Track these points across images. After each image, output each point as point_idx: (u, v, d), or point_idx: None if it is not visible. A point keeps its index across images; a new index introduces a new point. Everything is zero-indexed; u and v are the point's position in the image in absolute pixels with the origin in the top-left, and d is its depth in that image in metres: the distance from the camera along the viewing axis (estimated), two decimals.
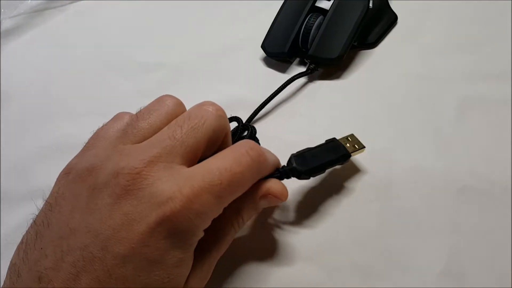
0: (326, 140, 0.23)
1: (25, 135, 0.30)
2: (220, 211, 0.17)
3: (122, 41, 0.35)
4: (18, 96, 0.32)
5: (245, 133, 0.25)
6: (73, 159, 0.19)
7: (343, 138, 0.23)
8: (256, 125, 0.27)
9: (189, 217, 0.16)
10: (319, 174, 0.22)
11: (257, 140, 0.25)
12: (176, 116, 0.19)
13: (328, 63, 0.29)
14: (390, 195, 0.23)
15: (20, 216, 0.25)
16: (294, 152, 0.22)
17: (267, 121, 0.28)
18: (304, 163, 0.21)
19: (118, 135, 0.19)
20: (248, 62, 0.31)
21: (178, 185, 0.16)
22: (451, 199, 0.23)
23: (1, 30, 0.37)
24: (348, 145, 0.23)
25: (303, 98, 0.29)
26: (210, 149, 0.19)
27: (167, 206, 0.16)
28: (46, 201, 0.18)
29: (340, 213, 0.23)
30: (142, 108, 0.20)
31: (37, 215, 0.18)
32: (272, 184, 0.19)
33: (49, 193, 0.19)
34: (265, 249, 0.22)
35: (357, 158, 0.25)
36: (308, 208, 0.23)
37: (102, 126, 0.20)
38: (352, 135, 0.24)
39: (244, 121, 0.26)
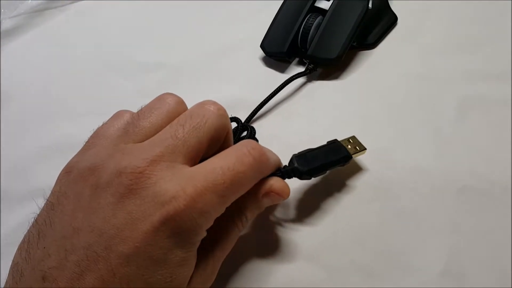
0: (328, 141, 0.23)
1: (25, 135, 0.30)
2: (223, 210, 0.18)
3: (122, 41, 0.35)
4: (18, 96, 0.32)
5: (244, 134, 0.25)
6: (73, 158, 0.19)
7: (345, 139, 0.23)
8: (255, 125, 0.27)
9: (193, 216, 0.16)
10: (320, 175, 0.22)
11: (256, 141, 0.25)
12: (178, 115, 0.19)
13: (327, 63, 0.29)
14: (390, 194, 0.23)
15: (20, 216, 0.25)
16: (293, 151, 0.22)
17: (266, 121, 0.28)
18: (306, 163, 0.21)
19: (119, 134, 0.19)
20: (247, 62, 0.31)
21: (181, 184, 0.16)
22: (451, 199, 0.23)
23: (1, 30, 0.37)
24: (349, 146, 0.23)
25: (301, 98, 0.29)
26: (212, 148, 0.19)
27: (171, 205, 0.16)
28: (47, 200, 0.18)
29: (340, 213, 0.23)
30: (143, 106, 0.20)
31: (38, 214, 0.18)
32: (274, 182, 0.19)
33: (49, 192, 0.19)
34: (266, 248, 0.22)
35: (358, 158, 0.25)
36: (309, 207, 0.23)
37: (102, 124, 0.20)
38: (353, 137, 0.24)
39: (243, 121, 0.26)
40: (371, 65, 0.30)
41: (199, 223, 0.16)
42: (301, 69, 0.30)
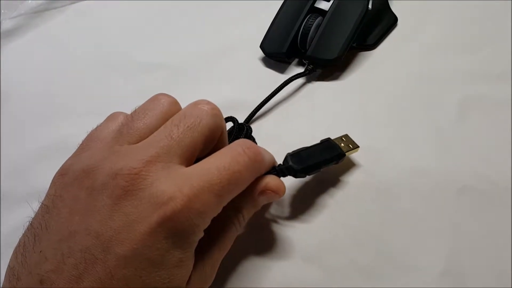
0: (321, 140, 0.23)
1: (25, 135, 0.30)
2: (220, 210, 0.17)
3: (122, 42, 0.35)
4: (18, 97, 0.32)
5: (241, 133, 0.25)
6: (68, 160, 0.19)
7: (338, 138, 0.24)
8: (254, 125, 0.27)
9: (190, 216, 0.16)
10: (315, 173, 0.22)
11: (253, 140, 0.25)
12: (172, 115, 0.19)
13: (326, 64, 0.29)
14: (390, 195, 0.23)
15: (21, 217, 0.24)
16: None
17: (265, 121, 0.28)
18: (300, 161, 0.21)
19: (113, 136, 0.19)
20: (247, 62, 0.31)
21: (178, 185, 0.16)
22: (451, 199, 0.23)
23: (1, 30, 0.37)
24: (342, 144, 0.23)
25: (301, 98, 0.29)
26: (206, 147, 0.19)
27: (168, 206, 0.16)
28: (42, 203, 0.18)
29: (340, 213, 0.23)
30: (137, 107, 0.20)
31: (33, 218, 0.18)
32: (270, 180, 0.19)
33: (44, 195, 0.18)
34: (265, 247, 0.22)
35: (357, 158, 0.25)
36: (307, 208, 0.23)
37: (97, 127, 0.20)
38: (346, 135, 0.24)
39: (242, 121, 0.26)
40: (371, 66, 0.30)
41: (196, 223, 0.16)
42: (301, 69, 0.30)
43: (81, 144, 0.20)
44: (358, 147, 0.24)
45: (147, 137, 0.18)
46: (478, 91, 0.27)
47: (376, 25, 0.31)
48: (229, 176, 0.17)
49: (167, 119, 0.19)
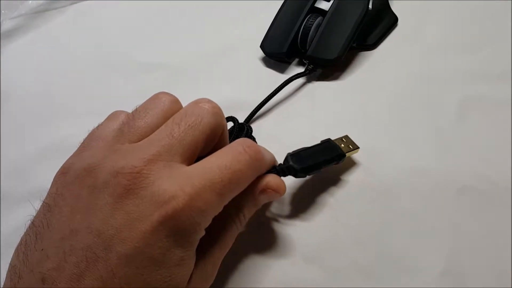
0: (322, 141, 0.23)
1: (25, 135, 0.30)
2: (221, 208, 0.18)
3: (122, 42, 0.35)
4: (18, 97, 0.32)
5: (241, 133, 0.25)
6: (69, 159, 0.19)
7: (338, 138, 0.24)
8: (254, 125, 0.27)
9: (191, 215, 0.16)
10: (315, 173, 0.22)
11: (253, 139, 0.25)
12: (173, 114, 0.19)
13: (327, 64, 0.29)
14: (390, 195, 0.23)
15: (21, 217, 0.24)
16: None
17: (265, 121, 0.28)
18: (300, 161, 0.21)
19: (115, 135, 0.19)
20: (247, 62, 0.31)
21: (180, 183, 0.16)
22: (451, 199, 0.23)
23: (2, 31, 0.37)
24: (342, 145, 0.23)
25: (301, 98, 0.29)
26: (207, 146, 0.19)
27: (170, 205, 0.16)
28: (43, 202, 0.18)
29: (340, 212, 0.23)
30: (138, 106, 0.20)
31: (35, 216, 0.18)
32: (270, 179, 0.19)
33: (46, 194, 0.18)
34: (265, 246, 0.22)
35: (357, 157, 0.25)
36: (308, 207, 0.23)
37: (98, 125, 0.20)
38: (346, 136, 0.24)
39: (242, 121, 0.26)
40: (371, 66, 0.30)
41: (198, 222, 0.16)
42: (301, 69, 0.30)
43: (82, 143, 0.20)
44: (358, 148, 0.24)
45: (148, 135, 0.18)
46: (478, 91, 0.27)
47: (376, 25, 0.31)
48: (230, 175, 0.17)
49: (168, 118, 0.19)
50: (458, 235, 0.21)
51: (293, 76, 0.28)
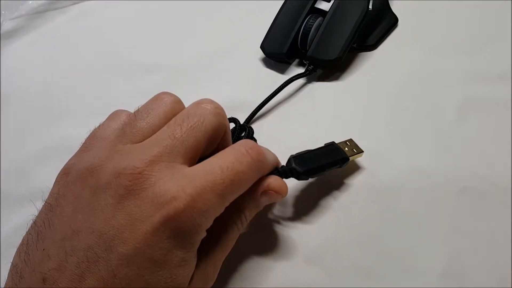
0: (325, 144, 0.23)
1: (25, 136, 0.30)
2: (222, 210, 0.18)
3: (122, 42, 0.35)
4: (18, 97, 0.32)
5: (243, 134, 0.25)
6: (71, 159, 0.19)
7: (342, 142, 0.24)
8: (255, 126, 0.27)
9: (193, 216, 0.16)
10: (317, 176, 0.22)
11: (254, 140, 0.25)
12: (175, 114, 0.19)
13: (327, 65, 0.29)
14: (390, 196, 0.23)
15: (21, 218, 0.25)
16: (292, 152, 0.22)
17: (266, 122, 0.28)
18: (303, 164, 0.21)
19: (116, 135, 0.19)
20: (247, 63, 0.31)
21: (181, 184, 0.16)
22: (451, 200, 0.23)
23: (2, 31, 0.37)
24: (346, 149, 0.23)
25: (301, 99, 0.29)
26: (210, 147, 0.19)
27: (171, 206, 0.16)
28: (45, 202, 0.18)
29: (341, 214, 0.23)
30: (140, 106, 0.20)
31: (37, 216, 0.18)
32: (272, 180, 0.19)
33: (48, 194, 0.19)
34: (266, 247, 0.22)
35: (358, 159, 0.25)
36: (309, 209, 0.23)
37: (99, 125, 0.20)
38: (351, 140, 0.24)
39: (242, 122, 0.26)
40: (371, 66, 0.30)
41: (199, 223, 0.16)
42: (301, 70, 0.30)
43: (84, 143, 0.20)
44: (362, 152, 0.23)
45: (150, 136, 0.18)
46: (479, 91, 0.27)
47: (376, 25, 0.31)
48: (232, 177, 0.17)
49: (170, 118, 0.19)
50: (459, 236, 0.21)
51: (293, 77, 0.28)
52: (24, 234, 0.18)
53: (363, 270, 0.21)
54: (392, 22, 0.32)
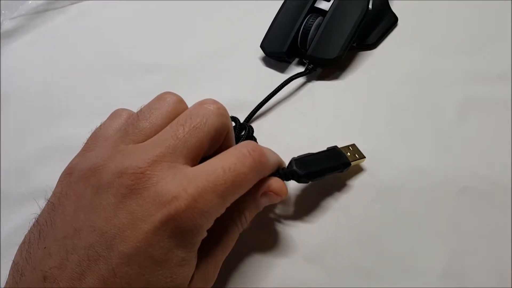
0: (328, 148, 0.23)
1: (25, 136, 0.30)
2: (223, 210, 0.18)
3: (122, 42, 0.35)
4: (18, 97, 0.32)
5: (242, 133, 0.25)
6: (74, 159, 0.19)
7: (345, 147, 0.24)
8: (254, 125, 0.27)
9: (194, 216, 0.16)
10: (318, 179, 0.22)
11: (254, 140, 0.25)
12: (178, 114, 0.19)
13: (327, 64, 0.29)
14: (391, 196, 0.23)
15: (21, 217, 0.25)
16: (292, 151, 0.22)
17: (265, 121, 0.28)
18: (304, 167, 0.21)
19: (119, 135, 0.19)
20: (247, 62, 0.31)
21: (183, 184, 0.16)
22: (452, 200, 0.23)
23: (2, 31, 0.37)
24: (348, 154, 0.23)
25: (301, 98, 0.29)
26: (212, 147, 0.19)
27: (172, 205, 0.16)
28: (48, 201, 0.18)
29: (341, 214, 0.23)
30: (142, 106, 0.20)
31: (39, 215, 0.18)
32: (272, 182, 0.19)
33: (51, 193, 0.19)
34: (266, 247, 0.22)
35: None
36: (309, 208, 0.23)
37: (101, 125, 0.20)
38: (353, 145, 0.24)
39: (242, 121, 0.26)
40: (371, 65, 0.30)
41: (200, 223, 0.16)
42: (301, 69, 0.30)
43: (86, 143, 0.20)
44: (365, 157, 0.23)
45: (153, 136, 0.18)
46: (479, 91, 0.27)
47: (376, 25, 0.31)
48: (233, 178, 0.17)
49: (173, 118, 0.19)
50: (459, 236, 0.21)
51: (293, 76, 0.28)
52: (25, 233, 0.18)
53: (363, 269, 0.21)
54: (392, 21, 0.32)
